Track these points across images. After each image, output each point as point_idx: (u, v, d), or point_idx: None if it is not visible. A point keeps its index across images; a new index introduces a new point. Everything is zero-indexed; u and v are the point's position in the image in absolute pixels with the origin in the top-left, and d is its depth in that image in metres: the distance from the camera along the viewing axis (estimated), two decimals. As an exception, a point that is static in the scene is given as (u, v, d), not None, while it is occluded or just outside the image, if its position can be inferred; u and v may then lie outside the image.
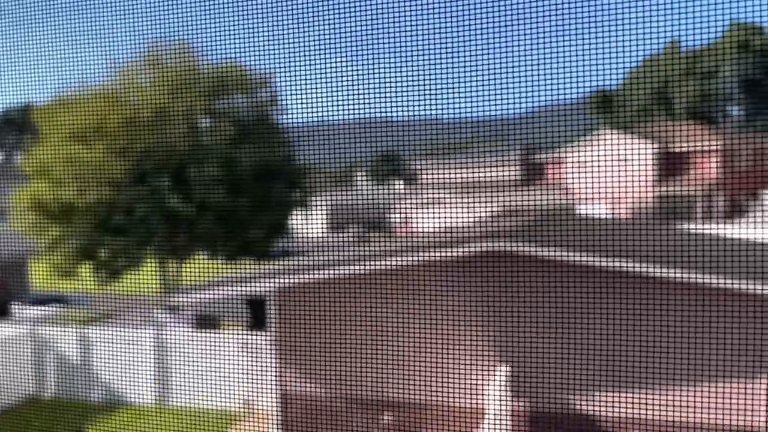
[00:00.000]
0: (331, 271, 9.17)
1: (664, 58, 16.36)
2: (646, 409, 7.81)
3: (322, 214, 19.73)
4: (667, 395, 7.82)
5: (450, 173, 18.14)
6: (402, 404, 8.57)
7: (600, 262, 8.29)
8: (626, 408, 7.93)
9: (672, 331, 8.04)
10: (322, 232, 20.09)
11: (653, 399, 7.85)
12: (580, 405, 8.13)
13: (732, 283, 7.67)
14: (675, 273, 8.00)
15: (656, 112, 16.75)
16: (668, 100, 16.49)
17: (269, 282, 9.79)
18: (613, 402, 7.99)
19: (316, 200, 17.75)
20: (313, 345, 9.35)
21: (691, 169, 15.07)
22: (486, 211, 14.47)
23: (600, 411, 8.04)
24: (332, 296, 9.26)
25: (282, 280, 9.69)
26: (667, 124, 16.51)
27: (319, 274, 9.27)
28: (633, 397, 7.91)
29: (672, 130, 15.91)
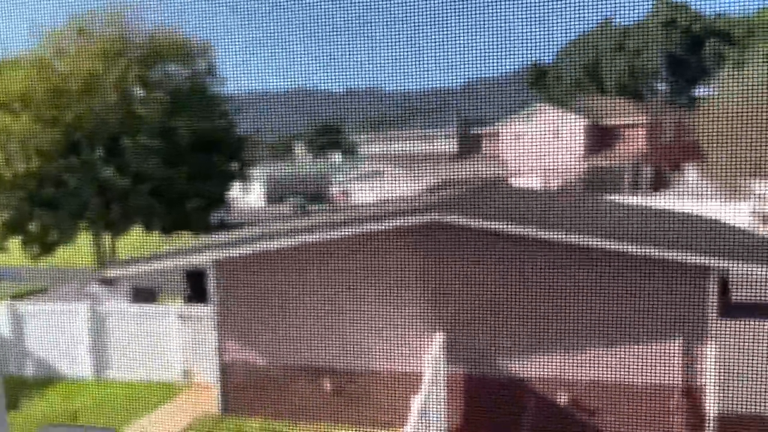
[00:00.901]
0: (271, 243, 9.22)
1: (596, 35, 16.85)
2: (574, 370, 8.28)
3: (261, 186, 19.58)
4: (593, 356, 8.29)
5: (389, 145, 18.27)
6: (343, 371, 8.78)
7: (532, 232, 8.63)
8: (554, 369, 8.37)
9: (599, 297, 8.51)
10: (261, 204, 19.95)
11: (582, 360, 8.30)
12: (512, 368, 8.53)
13: (657, 252, 8.15)
14: (602, 242, 8.42)
15: (588, 87, 17.28)
16: (600, 75, 17.03)
17: (208, 254, 9.76)
18: (541, 364, 8.42)
19: (254, 172, 17.61)
20: (253, 315, 9.42)
21: (620, 142, 15.69)
22: (424, 183, 14.70)
23: (530, 373, 8.46)
24: (272, 267, 9.33)
25: (221, 252, 9.68)
26: (598, 99, 17.08)
27: (258, 245, 9.30)
28: (561, 359, 8.36)
29: (603, 105, 16.47)
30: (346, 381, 8.77)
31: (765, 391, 8.63)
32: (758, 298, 10.27)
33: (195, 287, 10.90)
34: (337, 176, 18.53)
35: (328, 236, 9.06)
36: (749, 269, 8.94)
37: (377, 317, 8.66)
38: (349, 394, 8.74)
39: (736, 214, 13.40)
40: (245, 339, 9.45)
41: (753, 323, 9.02)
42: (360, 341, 8.69)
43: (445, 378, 8.20)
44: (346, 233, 9.06)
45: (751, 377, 8.66)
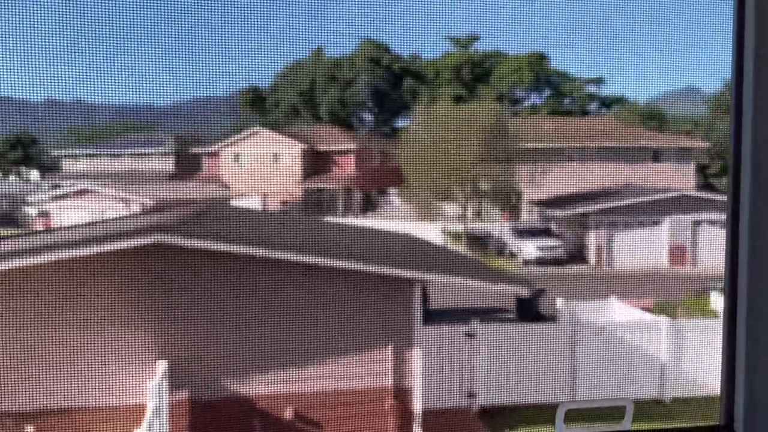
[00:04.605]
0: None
1: (310, 64, 17.82)
2: (297, 384, 8.59)
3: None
4: (315, 368, 8.70)
5: (98, 163, 16.93)
6: (51, 412, 7.85)
7: (253, 251, 8.79)
8: (279, 385, 8.59)
9: (317, 311, 8.97)
10: (-67, 228, 16.85)
11: (304, 373, 8.65)
12: (238, 388, 8.53)
13: (369, 267, 8.89)
14: (320, 260, 8.92)
15: (304, 114, 18.19)
16: (314, 103, 18.05)
17: None
18: (266, 381, 8.58)
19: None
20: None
21: (334, 167, 16.79)
22: (139, 204, 13.94)
23: (255, 391, 8.55)
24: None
25: None
26: (313, 126, 18.07)
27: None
28: (285, 375, 8.61)
29: (317, 131, 17.48)
30: (56, 422, 7.86)
31: (459, 386, 9.97)
32: (450, 304, 11.83)
33: None
34: (35, 196, 16.54)
35: (24, 263, 8.10)
36: (443, 280, 10.25)
37: (91, 349, 7.97)
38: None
39: (431, 232, 15.25)
40: None
41: (447, 326, 10.37)
42: (72, 376, 7.89)
43: (168, 406, 7.87)
44: (48, 259, 8.20)
45: (448, 374, 9.93)
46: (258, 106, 17.62)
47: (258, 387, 8.58)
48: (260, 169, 15.83)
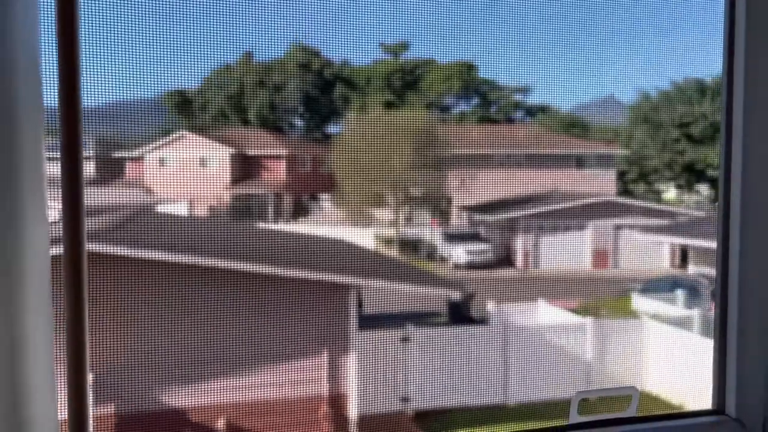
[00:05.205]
0: None
1: (238, 67, 17.49)
2: (230, 394, 8.36)
3: None
4: (248, 377, 8.49)
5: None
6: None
7: (183, 258, 8.51)
8: (211, 396, 8.33)
9: (252, 319, 8.78)
10: None
11: (238, 383, 8.43)
12: (167, 400, 8.22)
13: (303, 273, 8.77)
14: (253, 266, 8.74)
15: (232, 118, 17.83)
16: (243, 107, 17.73)
17: None
18: (198, 392, 8.30)
19: None
20: None
21: (264, 172, 16.52)
22: (58, 210, 13.28)
23: (186, 403, 8.26)
24: None
25: None
26: (241, 130, 17.74)
27: None
28: (218, 385, 8.37)
29: (246, 136, 17.17)
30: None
31: (394, 390, 9.97)
32: (384, 308, 11.82)
33: None
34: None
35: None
36: (377, 284, 10.24)
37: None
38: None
39: (363, 237, 15.24)
40: None
41: (382, 332, 10.36)
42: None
43: (92, 421, 7.49)
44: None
45: (383, 379, 9.91)
46: (184, 110, 17.14)
47: (188, 398, 8.29)
48: (187, 174, 15.39)
